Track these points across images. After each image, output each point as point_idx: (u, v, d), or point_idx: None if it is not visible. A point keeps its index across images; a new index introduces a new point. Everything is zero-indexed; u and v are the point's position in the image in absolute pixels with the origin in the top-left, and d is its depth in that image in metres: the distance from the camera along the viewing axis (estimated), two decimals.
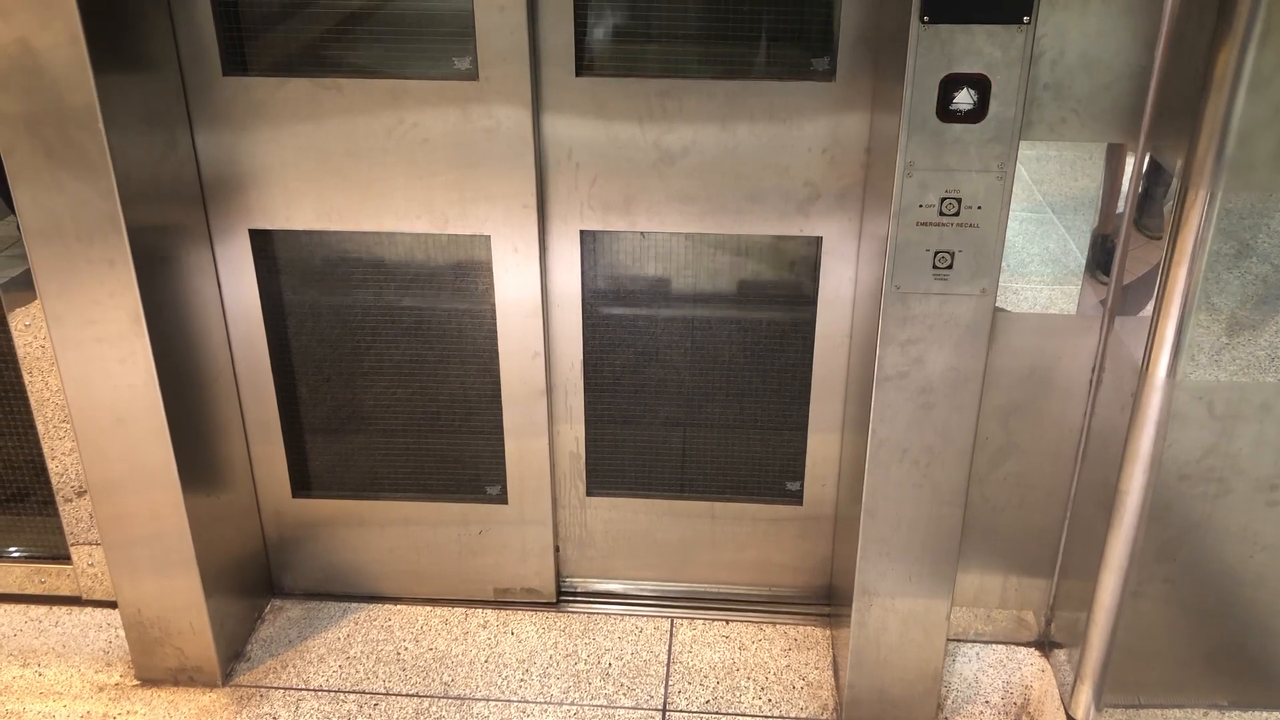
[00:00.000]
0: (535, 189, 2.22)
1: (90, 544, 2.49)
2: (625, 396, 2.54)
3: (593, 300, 2.41)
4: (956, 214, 1.87)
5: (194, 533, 2.29)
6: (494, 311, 2.35)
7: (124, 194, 1.97)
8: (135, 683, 2.43)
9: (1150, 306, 1.92)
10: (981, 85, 1.78)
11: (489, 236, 2.28)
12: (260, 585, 2.66)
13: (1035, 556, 2.37)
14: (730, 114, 2.15)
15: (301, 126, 2.19)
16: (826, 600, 2.63)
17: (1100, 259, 2.10)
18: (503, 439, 2.48)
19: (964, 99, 1.79)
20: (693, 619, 2.62)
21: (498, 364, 2.41)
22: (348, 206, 2.26)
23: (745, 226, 2.26)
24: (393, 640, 2.57)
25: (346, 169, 2.23)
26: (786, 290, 2.41)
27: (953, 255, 1.91)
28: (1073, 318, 2.13)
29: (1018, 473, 2.27)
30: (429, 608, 2.66)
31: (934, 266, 1.92)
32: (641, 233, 2.32)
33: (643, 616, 2.63)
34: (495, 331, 2.37)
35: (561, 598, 2.68)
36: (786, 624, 2.60)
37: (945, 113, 1.80)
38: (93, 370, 2.13)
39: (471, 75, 2.13)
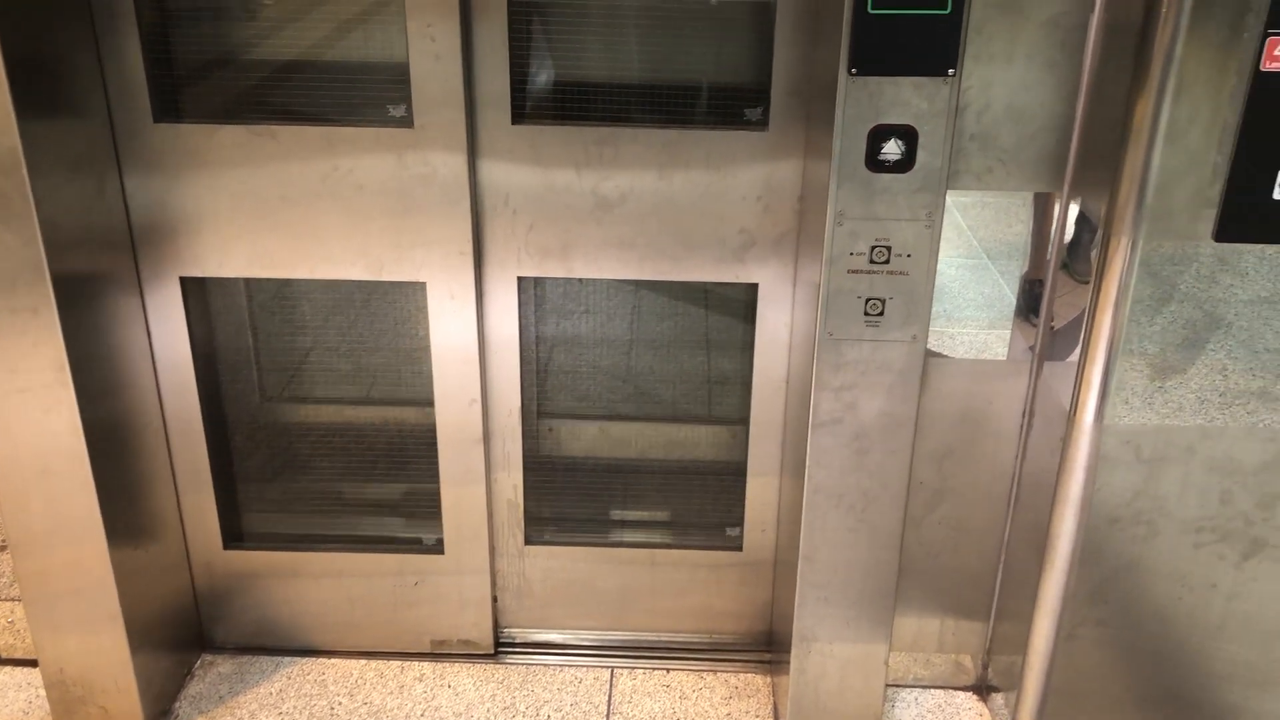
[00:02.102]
0: (471, 235, 2.21)
1: (10, 600, 2.41)
2: (564, 443, 2.53)
3: (531, 347, 2.40)
4: (887, 262, 1.90)
5: (120, 587, 2.23)
6: (430, 358, 2.33)
7: (48, 241, 1.94)
8: None
9: (1078, 351, 1.95)
10: (909, 136, 1.81)
11: (425, 283, 2.26)
12: (190, 640, 2.59)
13: (971, 600, 2.38)
14: (667, 162, 2.17)
15: (235, 173, 2.18)
16: (767, 647, 2.62)
17: (1030, 304, 2.14)
18: (439, 487, 2.46)
19: (892, 149, 1.82)
20: (633, 668, 2.60)
21: (434, 411, 2.39)
22: (282, 253, 2.24)
23: (682, 273, 2.27)
24: (327, 695, 2.51)
25: (281, 215, 2.21)
26: (724, 336, 2.42)
27: (884, 302, 1.93)
28: (1003, 362, 2.16)
29: (952, 516, 2.29)
30: (364, 661, 2.61)
31: (866, 313, 1.94)
32: (579, 279, 2.32)
33: (582, 667, 2.60)
34: (431, 378, 2.35)
35: (500, 649, 2.64)
36: (727, 672, 2.58)
37: (874, 163, 1.83)
38: (15, 421, 2.07)
39: (407, 122, 2.13)
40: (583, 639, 2.66)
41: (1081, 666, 2.14)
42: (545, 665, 2.60)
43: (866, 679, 2.25)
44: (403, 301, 2.38)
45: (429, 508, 2.50)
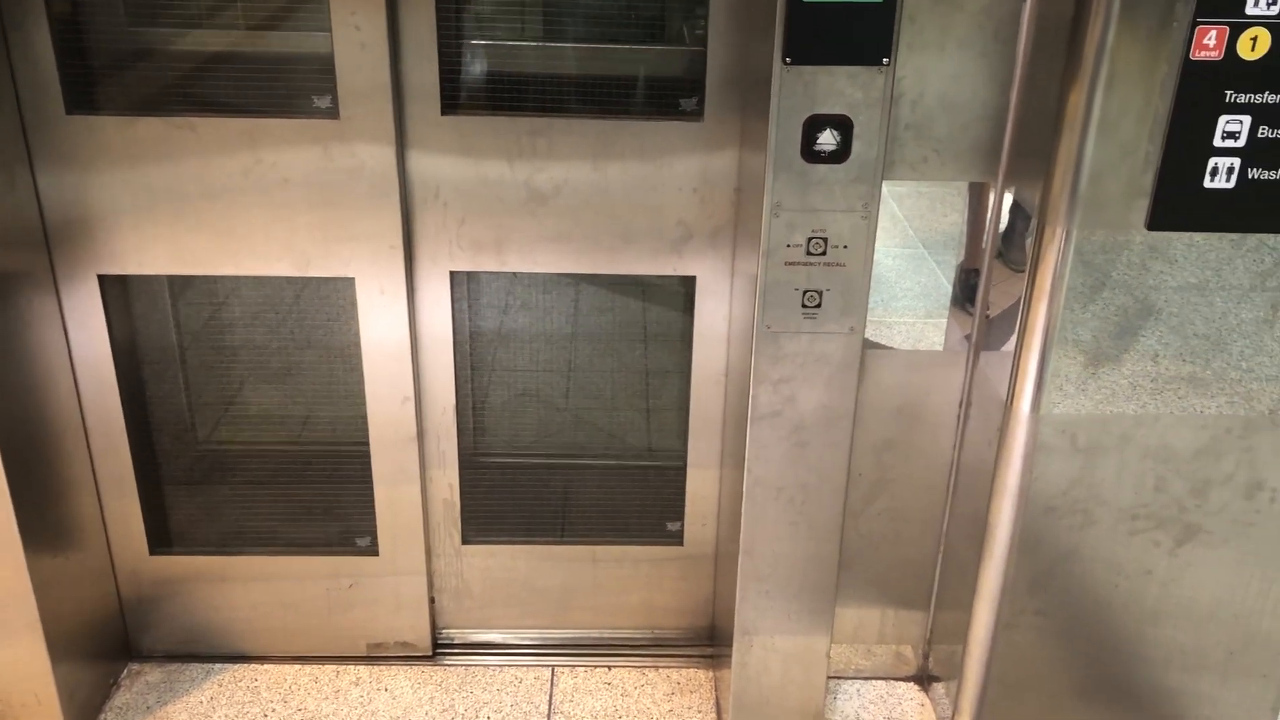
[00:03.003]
0: (402, 229, 2.16)
1: None
2: (501, 440, 2.49)
3: (465, 342, 2.36)
4: (824, 253, 1.88)
5: (38, 596, 2.14)
6: (360, 355, 2.28)
7: None
8: None
9: (1013, 341, 1.95)
10: (844, 126, 1.80)
11: (354, 279, 2.21)
12: (116, 649, 2.51)
13: (912, 590, 2.38)
14: (601, 153, 2.13)
15: (153, 167, 2.10)
16: (710, 641, 2.61)
17: (966, 294, 2.13)
18: (372, 488, 2.40)
19: (827, 139, 1.80)
20: (574, 666, 2.56)
21: (365, 410, 2.33)
22: (204, 250, 2.17)
23: (619, 266, 2.24)
24: (259, 702, 2.45)
25: (202, 211, 2.14)
26: (662, 330, 2.39)
27: (821, 294, 1.91)
28: (940, 353, 2.16)
29: (891, 507, 2.29)
30: (298, 666, 2.55)
31: (803, 305, 1.92)
32: (514, 273, 2.28)
33: (523, 666, 2.56)
34: (362, 376, 2.30)
35: (438, 650, 2.59)
36: (670, 668, 2.56)
37: (810, 153, 1.81)
38: None
39: (332, 113, 2.07)
40: (523, 638, 2.62)
41: (1021, 655, 2.15)
42: (485, 666, 2.55)
43: (808, 671, 2.24)
44: (334, 298, 2.31)
45: (363, 509, 2.45)
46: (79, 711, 2.32)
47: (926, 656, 2.44)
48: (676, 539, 2.54)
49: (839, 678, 2.46)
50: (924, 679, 2.46)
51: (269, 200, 2.13)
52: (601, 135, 2.12)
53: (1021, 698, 2.19)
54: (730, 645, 2.23)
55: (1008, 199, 1.97)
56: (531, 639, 2.62)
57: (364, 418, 2.33)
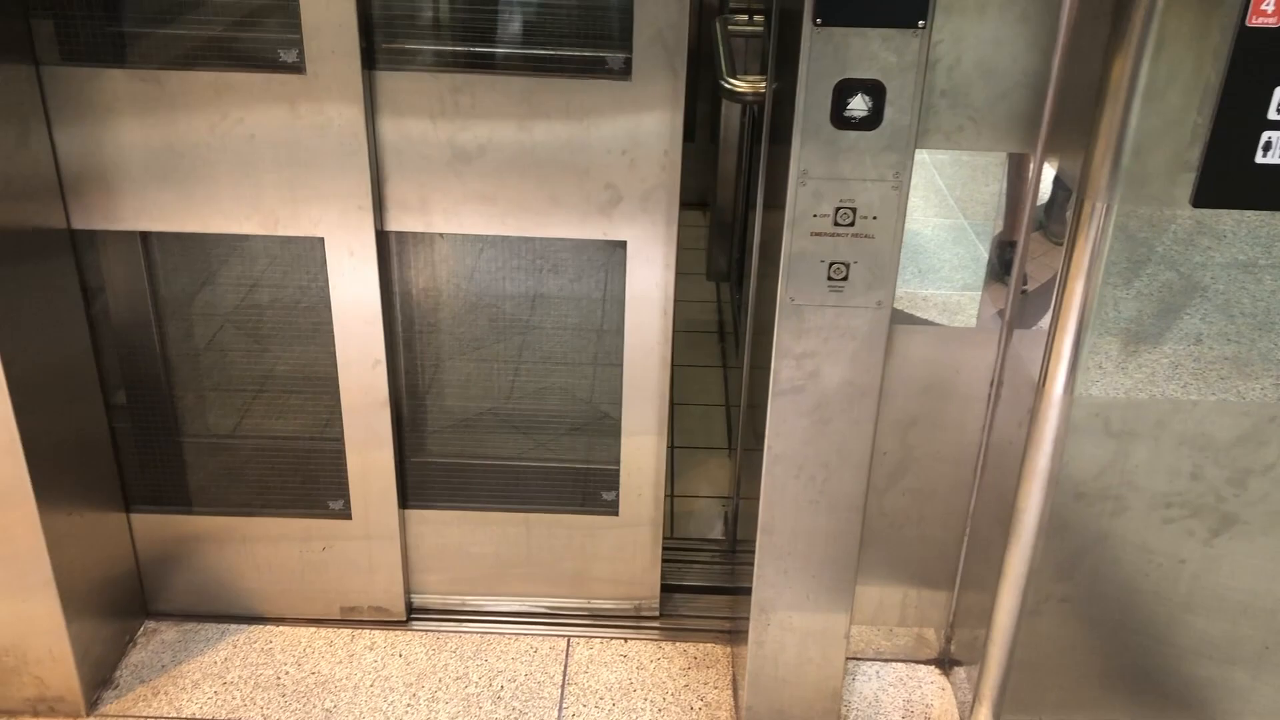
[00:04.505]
0: (371, 188, 2.12)
1: None
2: (436, 407, 2.44)
3: (393, 306, 2.32)
4: (852, 224, 1.81)
5: (52, 553, 2.14)
6: (330, 317, 2.26)
7: None
8: None
9: (1048, 318, 1.88)
10: (876, 91, 1.72)
11: (323, 238, 2.17)
12: (132, 606, 2.51)
13: (935, 572, 2.32)
14: (527, 113, 2.08)
15: (119, 120, 2.06)
16: (644, 618, 2.59)
17: (1003, 266, 2.06)
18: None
19: (859, 105, 1.73)
20: (590, 637, 2.54)
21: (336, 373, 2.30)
22: (172, 206, 2.14)
23: (547, 229, 2.19)
24: (273, 664, 2.44)
25: (170, 167, 2.10)
26: (593, 295, 2.33)
27: (848, 267, 1.84)
28: (972, 330, 2.09)
29: (916, 487, 2.22)
30: (313, 629, 2.54)
31: (829, 278, 1.86)
32: (440, 234, 2.23)
33: (538, 636, 2.53)
34: (333, 338, 2.27)
35: (412, 616, 2.58)
36: (687, 642, 2.52)
37: (840, 119, 1.74)
38: None
39: (299, 69, 2.02)
40: (536, 605, 2.59)
41: (1046, 641, 2.09)
42: (496, 634, 2.53)
43: (826, 651, 2.20)
44: (306, 257, 2.27)
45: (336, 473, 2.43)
46: (94, 668, 2.33)
47: (949, 640, 2.38)
48: (612, 509, 2.49)
49: (858, 659, 2.41)
50: (945, 663, 2.41)
51: (236, 157, 2.09)
52: (526, 94, 2.06)
53: (1045, 684, 2.13)
54: (747, 622, 2.19)
55: (1048, 171, 1.89)
56: (546, 606, 2.59)
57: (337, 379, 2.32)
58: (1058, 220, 1.88)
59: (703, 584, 2.70)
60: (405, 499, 2.48)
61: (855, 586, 2.14)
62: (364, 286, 2.21)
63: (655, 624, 2.58)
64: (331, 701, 2.34)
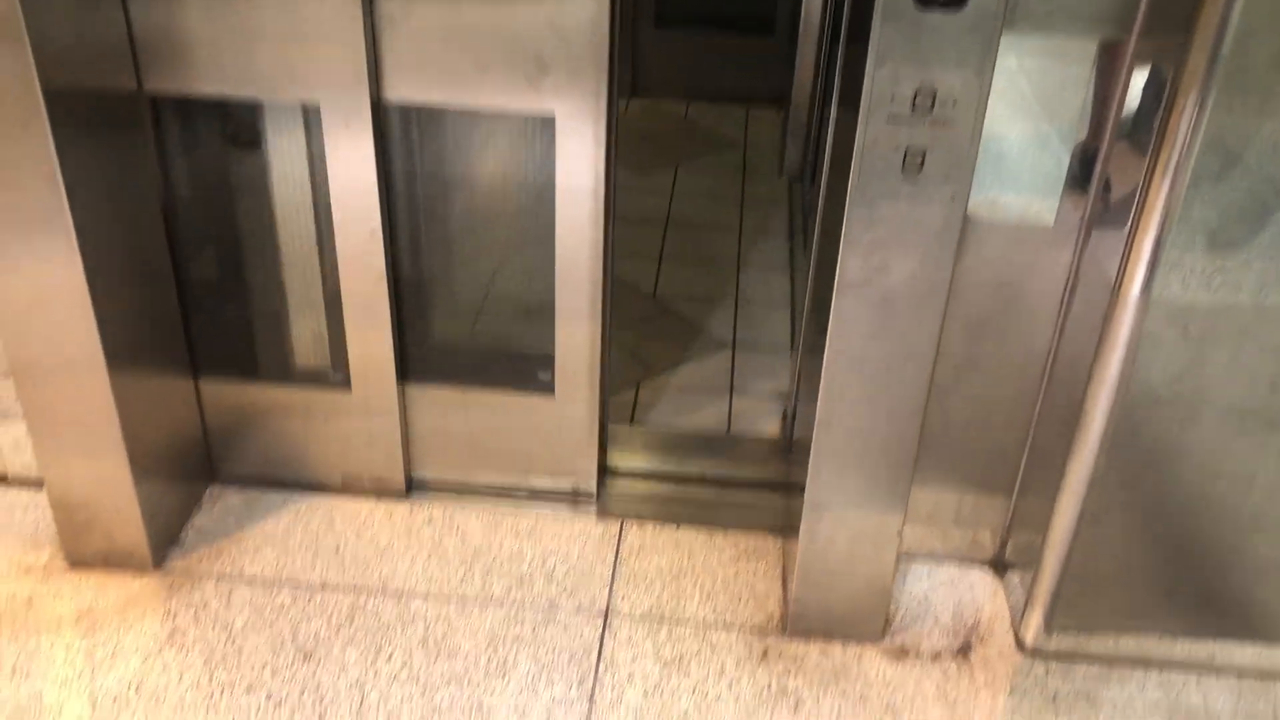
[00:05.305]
0: (366, 57, 2.08)
1: (17, 418, 2.38)
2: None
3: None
4: (931, 110, 1.74)
5: (122, 416, 2.19)
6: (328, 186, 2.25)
7: (39, 55, 1.83)
8: (64, 565, 2.37)
9: (1130, 220, 1.81)
10: None
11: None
12: (200, 471, 2.58)
13: (994, 476, 2.29)
14: None
15: None
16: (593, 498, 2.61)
17: (1084, 170, 1.98)
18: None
19: None
20: (643, 521, 2.56)
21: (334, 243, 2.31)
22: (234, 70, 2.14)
23: (473, 99, 2.14)
24: (334, 532, 2.50)
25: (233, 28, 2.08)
26: (529, 172, 2.28)
27: (924, 155, 1.78)
28: (1048, 229, 2.02)
29: (980, 390, 2.18)
30: (374, 501, 2.59)
31: (904, 167, 1.80)
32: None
33: (591, 518, 2.56)
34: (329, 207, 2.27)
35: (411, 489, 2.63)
36: (738, 532, 2.54)
37: None
38: (12, 241, 2.00)
39: None
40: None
41: (1104, 550, 2.07)
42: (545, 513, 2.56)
43: (878, 549, 2.19)
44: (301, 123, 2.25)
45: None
46: (162, 527, 2.40)
47: (1004, 544, 2.36)
48: (548, 389, 2.49)
49: (911, 558, 2.41)
50: (999, 565, 2.39)
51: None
52: None
53: (1099, 592, 2.11)
54: (800, 515, 2.19)
55: (1140, 66, 1.80)
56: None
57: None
58: (1145, 128, 1.79)
59: (758, 479, 2.70)
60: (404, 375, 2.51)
61: (911, 487, 2.12)
62: (358, 156, 2.20)
63: (592, 506, 2.60)
64: (389, 570, 2.40)
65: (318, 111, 2.17)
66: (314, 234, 2.36)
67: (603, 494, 2.64)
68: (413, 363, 2.50)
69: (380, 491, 2.60)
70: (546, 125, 2.18)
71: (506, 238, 2.42)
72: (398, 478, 2.59)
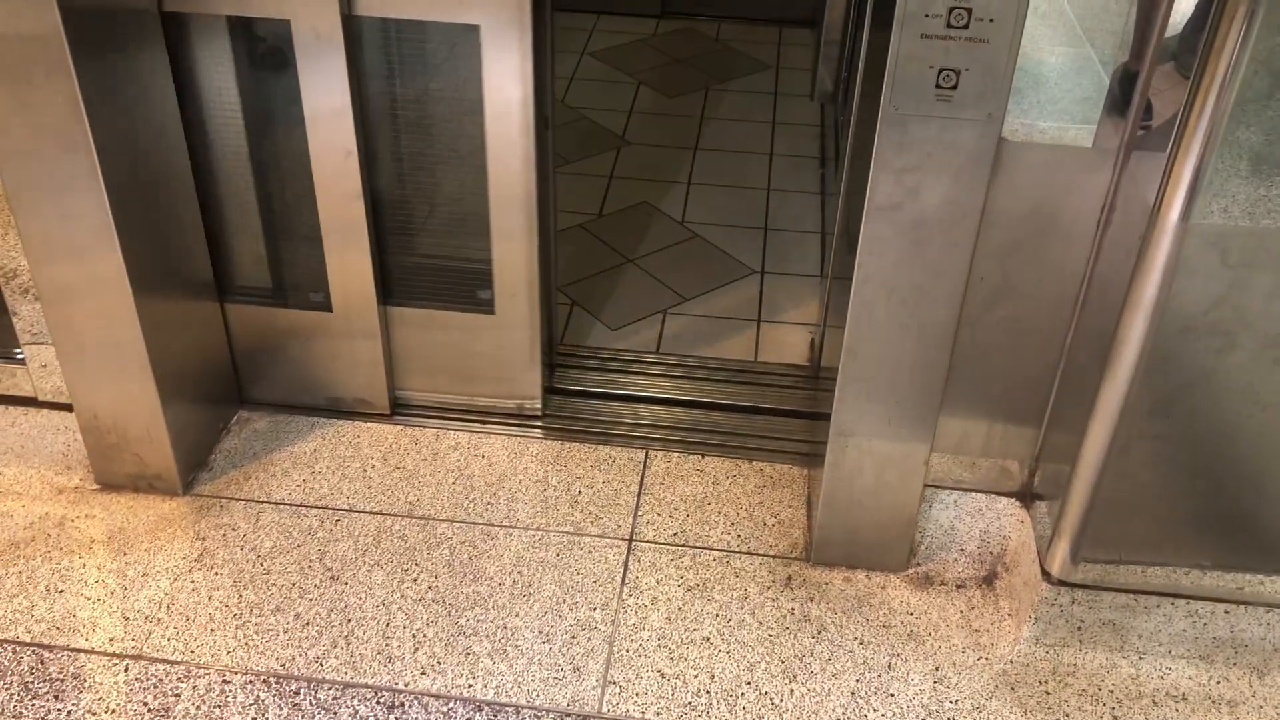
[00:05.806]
0: None
1: (46, 343, 2.40)
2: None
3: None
4: (966, 26, 1.69)
5: (148, 340, 2.20)
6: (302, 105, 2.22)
7: None
8: (95, 487, 2.39)
9: (1170, 142, 1.74)
10: None
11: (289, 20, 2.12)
12: (227, 395, 2.59)
13: (1024, 405, 2.26)
14: None
15: None
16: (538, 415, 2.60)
17: (1125, 93, 1.91)
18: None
19: None
20: (667, 450, 2.55)
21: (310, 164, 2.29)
22: None
23: (396, 10, 2.12)
24: (360, 457, 2.51)
25: None
26: (454, 88, 2.24)
27: (958, 74, 1.73)
28: (1086, 151, 1.96)
29: (1012, 317, 2.14)
30: (399, 427, 2.60)
31: (938, 86, 1.74)
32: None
33: (616, 446, 2.56)
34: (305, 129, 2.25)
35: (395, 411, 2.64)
36: (763, 461, 2.53)
37: None
38: (33, 160, 2.00)
39: None
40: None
41: (1133, 480, 2.03)
42: (572, 442, 2.56)
43: (904, 478, 2.18)
44: (270, 40, 2.21)
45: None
46: (189, 450, 2.42)
47: (1032, 474, 2.33)
48: (488, 308, 2.47)
49: (937, 487, 2.39)
50: (1027, 496, 2.37)
51: None
52: None
53: (1128, 522, 2.09)
54: (825, 443, 2.17)
55: None
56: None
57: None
58: (1189, 48, 1.72)
59: (784, 408, 2.68)
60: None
61: (939, 416, 2.10)
62: (330, 72, 2.17)
63: (538, 424, 2.61)
64: (415, 495, 2.41)
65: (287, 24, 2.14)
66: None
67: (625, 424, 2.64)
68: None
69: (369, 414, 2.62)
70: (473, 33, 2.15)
71: (445, 153, 2.38)
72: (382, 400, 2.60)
